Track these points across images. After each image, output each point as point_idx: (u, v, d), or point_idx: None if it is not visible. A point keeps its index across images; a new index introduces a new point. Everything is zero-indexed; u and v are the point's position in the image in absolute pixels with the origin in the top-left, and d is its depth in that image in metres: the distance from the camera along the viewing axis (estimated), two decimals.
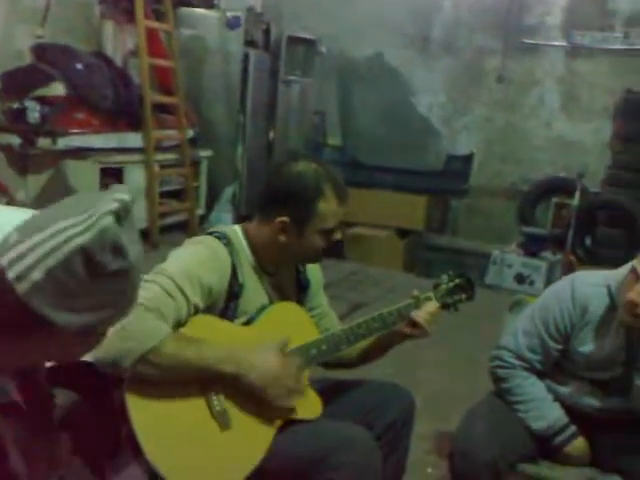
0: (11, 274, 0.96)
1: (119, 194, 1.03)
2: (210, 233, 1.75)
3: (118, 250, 1.00)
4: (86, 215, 1.00)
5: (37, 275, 0.96)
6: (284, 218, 1.68)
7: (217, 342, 1.58)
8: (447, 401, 3.17)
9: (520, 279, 5.51)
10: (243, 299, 1.70)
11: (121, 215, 1.01)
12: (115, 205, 1.01)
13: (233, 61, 5.88)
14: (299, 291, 1.90)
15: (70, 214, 1.00)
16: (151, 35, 5.10)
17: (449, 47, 6.59)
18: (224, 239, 1.71)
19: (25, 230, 0.99)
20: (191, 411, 1.56)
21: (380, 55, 6.74)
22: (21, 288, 0.96)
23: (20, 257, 0.97)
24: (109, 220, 1.00)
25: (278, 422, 1.66)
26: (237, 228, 1.79)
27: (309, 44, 6.22)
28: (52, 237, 0.98)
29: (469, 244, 6.31)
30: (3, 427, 1.03)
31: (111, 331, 1.40)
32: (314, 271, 1.96)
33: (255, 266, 1.75)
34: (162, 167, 5.24)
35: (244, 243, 1.75)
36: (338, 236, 1.75)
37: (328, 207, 1.68)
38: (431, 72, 6.68)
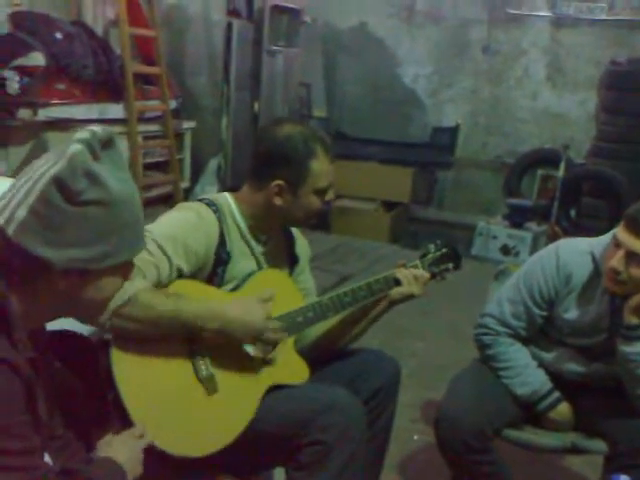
0: (1, 220, 1.03)
1: (92, 127, 1.09)
2: (200, 200, 1.74)
3: (92, 178, 1.04)
4: (59, 151, 1.06)
5: (21, 213, 1.03)
6: (279, 181, 1.69)
7: (195, 298, 1.57)
8: (433, 371, 3.20)
9: (506, 250, 5.53)
10: (231, 266, 1.70)
11: (93, 145, 1.05)
12: (84, 135, 1.06)
13: (216, 30, 5.79)
14: (289, 266, 1.90)
15: (47, 158, 1.07)
16: (132, 4, 5.00)
17: (434, 17, 6.53)
18: (213, 206, 1.70)
19: (12, 184, 1.07)
20: (177, 376, 1.56)
21: (365, 25, 6.68)
22: (11, 230, 1.03)
23: (7, 203, 1.04)
24: (77, 147, 1.04)
25: (264, 387, 1.67)
26: (228, 196, 1.78)
27: (293, 13, 6.13)
28: (30, 178, 1.05)
29: (455, 216, 6.32)
30: (33, 377, 1.08)
31: None
32: (303, 248, 1.96)
33: (246, 234, 1.75)
34: (145, 138, 5.17)
35: (236, 211, 1.75)
36: (331, 196, 1.76)
37: (320, 166, 1.69)
38: (416, 43, 6.62)
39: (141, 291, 1.46)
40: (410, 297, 1.82)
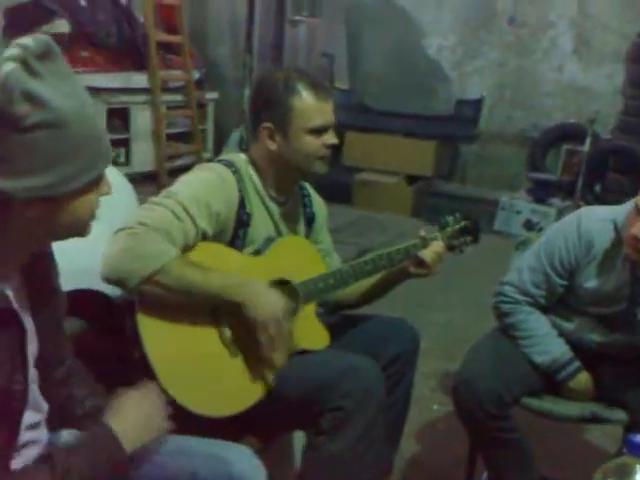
0: None
1: (22, 40, 0.96)
2: (219, 161, 1.75)
3: (33, 99, 0.94)
4: None
5: None
6: (266, 124, 1.70)
7: (225, 270, 1.58)
8: (453, 342, 3.21)
9: (529, 225, 5.48)
10: (251, 228, 1.71)
11: (28, 60, 0.95)
12: (15, 51, 0.95)
13: (239, 0, 5.76)
14: (306, 225, 1.91)
15: None
16: None
17: None
18: (232, 167, 1.70)
19: None
20: (203, 337, 1.58)
21: None
22: None
23: None
24: (10, 67, 0.94)
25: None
26: (243, 156, 1.78)
27: None
28: None
29: (478, 191, 6.26)
30: None
31: (120, 248, 1.42)
32: (320, 207, 1.97)
33: (263, 195, 1.75)
34: (168, 108, 5.19)
35: (251, 171, 1.75)
36: (332, 139, 1.73)
37: (304, 103, 1.68)
38: (442, 13, 6.53)
39: (173, 260, 1.48)
40: (429, 275, 1.85)
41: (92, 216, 1.09)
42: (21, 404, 1.09)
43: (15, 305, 1.07)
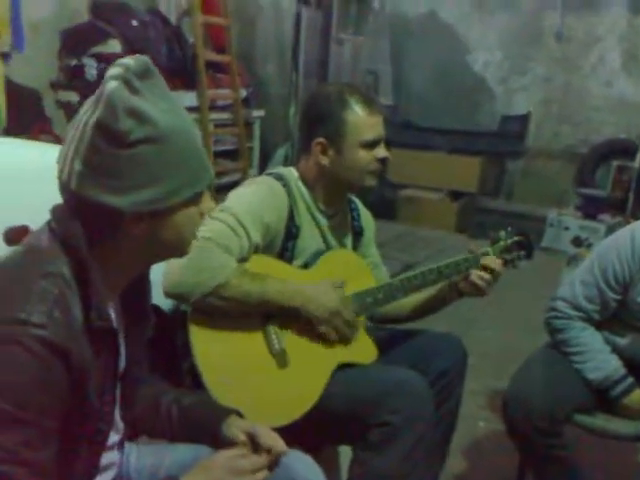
0: (64, 176, 0.99)
1: (123, 60, 1.00)
2: (269, 174, 1.78)
3: (136, 115, 0.96)
4: (98, 93, 0.99)
5: (77, 165, 0.97)
6: (319, 139, 1.71)
7: (277, 277, 1.61)
8: (501, 359, 3.16)
9: (578, 242, 5.39)
10: (300, 240, 1.73)
11: (129, 79, 0.97)
12: (117, 70, 0.98)
13: (285, 19, 5.84)
14: (354, 238, 1.92)
15: (89, 104, 1.00)
16: None
17: (506, 3, 6.40)
18: (282, 180, 1.73)
19: (66, 135, 1.02)
20: (251, 349, 1.60)
21: (434, 12, 6.60)
22: (73, 184, 0.98)
23: (65, 157, 1.00)
24: (112, 85, 0.97)
25: (333, 364, 1.68)
26: (292, 169, 1.81)
27: (362, 1, 6.12)
28: (78, 128, 0.99)
29: (524, 207, 6.18)
30: (95, 350, 1.00)
31: (182, 263, 1.43)
32: (368, 220, 1.98)
33: (312, 208, 1.77)
34: (216, 126, 5.26)
35: (300, 183, 1.77)
36: (384, 153, 1.73)
37: (356, 117, 1.69)
38: (487, 30, 6.51)
39: (233, 272, 1.52)
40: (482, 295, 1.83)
41: (194, 233, 1.11)
42: (108, 425, 1.10)
43: (115, 325, 1.08)
